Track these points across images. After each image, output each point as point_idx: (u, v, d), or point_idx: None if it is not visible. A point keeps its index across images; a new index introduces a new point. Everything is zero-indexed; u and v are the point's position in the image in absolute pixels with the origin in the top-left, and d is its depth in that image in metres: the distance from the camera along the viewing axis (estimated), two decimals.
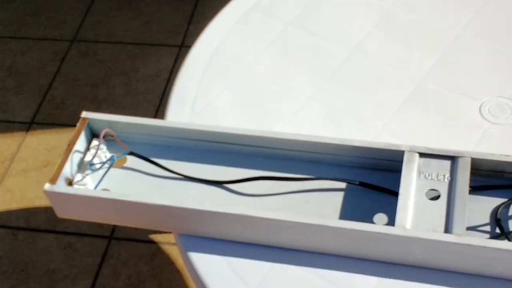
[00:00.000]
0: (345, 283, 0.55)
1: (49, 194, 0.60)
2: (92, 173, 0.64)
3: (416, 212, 0.55)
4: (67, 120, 1.56)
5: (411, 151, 0.58)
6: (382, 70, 0.72)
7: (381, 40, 0.74)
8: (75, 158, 0.64)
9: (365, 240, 0.55)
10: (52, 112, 1.58)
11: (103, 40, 1.75)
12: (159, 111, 1.55)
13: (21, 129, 1.55)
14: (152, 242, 1.29)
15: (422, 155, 0.58)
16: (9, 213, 1.38)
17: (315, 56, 0.74)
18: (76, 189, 0.60)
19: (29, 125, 1.56)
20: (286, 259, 0.57)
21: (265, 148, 0.64)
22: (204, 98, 0.71)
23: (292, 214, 0.55)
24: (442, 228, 0.54)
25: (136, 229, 1.31)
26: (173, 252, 1.27)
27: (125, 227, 1.31)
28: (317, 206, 0.60)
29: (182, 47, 1.69)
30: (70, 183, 0.63)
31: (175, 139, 0.66)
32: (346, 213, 0.59)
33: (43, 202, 1.39)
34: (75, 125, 1.54)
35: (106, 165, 0.64)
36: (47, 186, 0.60)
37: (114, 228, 1.32)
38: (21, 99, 1.63)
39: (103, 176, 0.63)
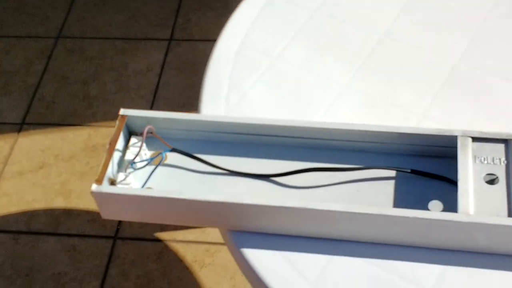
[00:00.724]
0: (407, 273, 0.55)
1: (97, 195, 0.58)
2: (134, 171, 0.62)
3: (476, 198, 0.55)
4: (59, 120, 1.52)
5: (464, 135, 0.58)
6: (414, 55, 0.71)
7: (410, 24, 0.74)
8: (115, 157, 0.62)
9: (426, 229, 0.54)
10: (43, 111, 1.55)
11: (89, 36, 1.71)
12: (153, 106, 1.52)
13: (12, 131, 1.52)
14: (158, 240, 1.27)
15: (475, 139, 0.58)
16: (8, 217, 1.35)
17: (344, 43, 0.73)
18: (126, 189, 0.58)
19: (20, 126, 1.52)
20: (344, 251, 0.57)
21: (309, 139, 0.63)
22: (237, 91, 0.70)
23: (353, 205, 0.55)
24: (505, 212, 0.53)
25: (140, 227, 1.29)
26: (180, 249, 1.25)
27: (129, 227, 1.29)
28: (369, 195, 0.59)
29: (172, 41, 1.67)
30: (112, 183, 0.61)
31: (215, 133, 0.64)
32: (399, 202, 0.58)
33: (42, 204, 1.36)
34: (68, 124, 1.52)
35: (150, 163, 0.62)
36: (94, 187, 0.58)
37: (118, 228, 1.30)
38: (9, 99, 1.58)
39: (151, 174, 0.61)
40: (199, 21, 1.71)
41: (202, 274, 1.22)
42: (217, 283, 1.20)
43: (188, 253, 1.25)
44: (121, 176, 0.61)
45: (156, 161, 0.62)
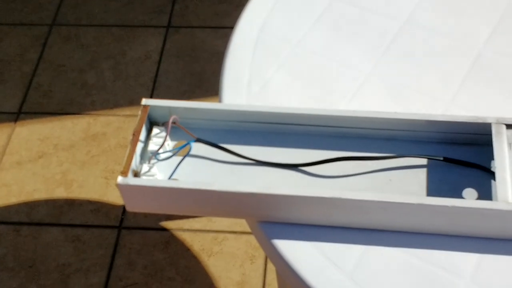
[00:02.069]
0: (444, 262, 0.54)
1: (122, 188, 0.57)
2: (157, 162, 0.61)
3: None
4: (56, 108, 1.50)
5: (498, 123, 0.57)
6: (437, 41, 0.70)
7: (431, 10, 0.73)
8: (137, 148, 0.60)
9: (462, 217, 0.53)
10: (39, 100, 1.52)
11: (84, 23, 1.69)
12: (153, 94, 1.50)
13: (8, 120, 1.49)
14: (164, 229, 1.26)
15: (509, 126, 0.57)
16: (8, 208, 1.32)
17: (366, 30, 0.72)
18: (153, 181, 0.56)
19: (17, 115, 1.50)
20: (378, 240, 0.56)
21: (336, 128, 0.61)
22: (259, 79, 0.68)
23: (387, 194, 0.53)
24: None
25: (145, 217, 1.28)
26: (187, 238, 1.24)
27: (133, 216, 1.28)
28: (401, 184, 0.58)
29: (170, 28, 1.65)
30: (135, 174, 0.59)
31: (238, 122, 0.63)
32: (433, 190, 0.57)
33: (43, 194, 1.34)
34: (66, 113, 1.49)
35: (177, 154, 0.61)
36: (120, 179, 0.56)
37: (122, 217, 1.28)
38: (4, 88, 1.56)
39: (178, 165, 0.60)
40: (197, 8, 1.69)
41: (210, 262, 1.21)
42: (226, 271, 1.19)
43: (196, 242, 1.24)
44: (145, 167, 0.59)
45: (182, 152, 0.61)
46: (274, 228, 0.58)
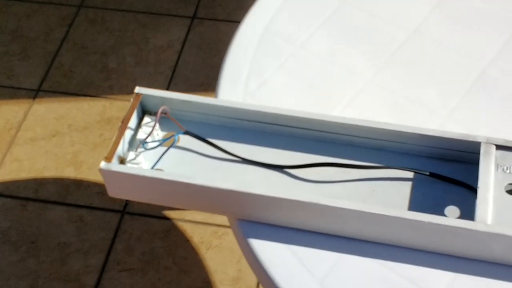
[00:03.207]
0: (417, 277, 0.53)
1: (105, 173, 0.57)
2: (144, 151, 0.61)
3: (496, 207, 0.53)
4: (75, 89, 1.52)
5: (488, 142, 0.56)
6: (443, 54, 0.69)
7: (441, 23, 0.72)
8: (126, 135, 0.60)
9: (440, 234, 0.53)
10: (60, 80, 1.54)
11: (111, 8, 1.70)
12: (171, 83, 1.51)
13: (27, 96, 1.51)
14: (166, 218, 1.27)
15: (499, 147, 0.56)
16: (17, 183, 1.34)
17: (372, 37, 0.71)
18: (135, 169, 0.57)
19: (36, 93, 1.52)
20: (354, 250, 0.55)
21: (327, 133, 0.61)
22: (257, 77, 0.68)
23: (367, 205, 0.53)
24: None
25: (148, 204, 1.28)
26: (188, 229, 1.25)
27: (137, 203, 1.29)
28: (384, 195, 0.58)
29: (195, 19, 1.65)
30: (122, 161, 0.60)
31: (230, 119, 0.63)
32: (415, 204, 0.57)
33: (52, 173, 1.35)
34: (84, 95, 1.51)
35: (162, 145, 0.61)
36: (103, 164, 0.57)
37: (126, 202, 1.29)
38: (26, 65, 1.58)
39: (161, 156, 0.60)
40: (224, 1, 1.69)
41: (208, 256, 1.21)
42: (223, 265, 1.19)
43: (196, 234, 1.24)
44: (131, 155, 0.60)
45: (168, 143, 0.61)
46: (251, 227, 0.57)
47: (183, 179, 0.55)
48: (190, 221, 1.25)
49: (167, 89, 1.49)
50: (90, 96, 1.50)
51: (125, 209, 1.28)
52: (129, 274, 1.19)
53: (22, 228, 1.27)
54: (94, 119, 1.44)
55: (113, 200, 1.29)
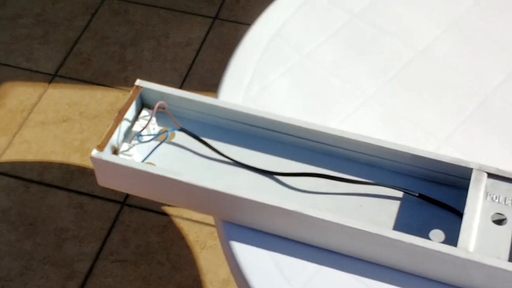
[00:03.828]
0: None
1: (96, 161, 0.57)
2: (139, 144, 0.61)
3: (480, 235, 0.52)
4: (91, 78, 1.53)
5: (480, 170, 0.55)
6: (448, 77, 0.68)
7: (450, 47, 0.71)
8: (122, 126, 0.61)
9: (421, 256, 0.52)
10: (76, 67, 1.55)
11: (136, 1, 1.71)
12: (185, 81, 1.51)
13: (43, 80, 1.52)
14: (164, 214, 1.27)
15: (490, 175, 0.55)
16: (23, 164, 1.35)
17: (379, 53, 0.71)
18: (125, 160, 0.57)
19: (52, 77, 1.53)
20: (334, 263, 0.55)
21: (321, 144, 0.61)
22: (260, 82, 0.68)
23: (351, 219, 0.53)
24: (507, 255, 0.51)
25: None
26: (185, 227, 1.25)
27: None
28: (371, 212, 0.57)
29: (216, 19, 1.66)
30: (115, 151, 0.60)
31: (227, 120, 0.63)
32: (401, 224, 0.56)
33: (59, 157, 1.36)
34: (99, 84, 1.52)
35: (156, 139, 0.61)
36: (94, 152, 0.57)
37: (127, 194, 1.30)
38: (46, 49, 1.59)
39: (153, 150, 0.60)
40: (247, 4, 1.70)
41: (202, 255, 1.21)
42: (215, 266, 1.19)
43: (192, 232, 1.24)
44: (124, 146, 0.60)
45: (161, 138, 0.61)
46: (235, 229, 0.57)
47: (171, 175, 0.56)
48: (187, 219, 1.26)
49: (181, 86, 1.50)
50: (105, 85, 1.51)
51: (126, 201, 1.29)
52: (122, 266, 1.19)
53: (23, 209, 1.28)
54: (105, 109, 1.45)
55: (115, 191, 1.30)
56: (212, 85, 1.50)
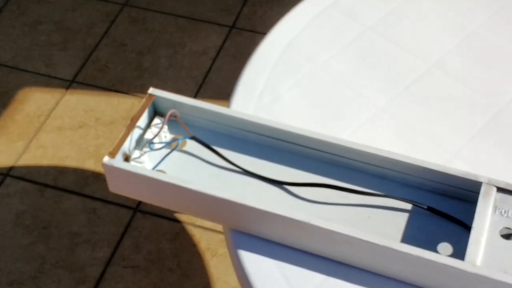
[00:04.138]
0: None
1: (107, 168, 0.58)
2: (150, 151, 0.62)
3: (487, 249, 0.52)
4: (108, 84, 1.54)
5: (489, 183, 0.55)
6: (460, 91, 0.69)
7: (463, 61, 0.71)
8: (134, 134, 0.61)
9: (428, 269, 0.52)
10: (94, 73, 1.57)
11: (154, 9, 1.73)
12: (201, 89, 1.52)
13: (61, 86, 1.54)
14: (177, 220, 1.28)
15: (500, 189, 0.55)
16: (39, 169, 1.37)
17: (392, 66, 0.71)
18: (136, 167, 0.57)
19: (70, 83, 1.55)
20: (341, 274, 0.55)
21: (331, 155, 0.61)
22: (272, 91, 0.69)
23: (359, 231, 0.53)
24: None
25: None
26: (196, 234, 1.25)
27: None
28: (379, 224, 0.57)
29: (233, 28, 1.67)
30: (126, 158, 0.61)
31: (238, 130, 0.63)
32: (409, 237, 0.56)
33: (74, 163, 1.38)
34: (115, 90, 1.53)
35: (167, 147, 0.62)
36: (106, 159, 0.58)
37: (140, 200, 1.31)
38: (65, 55, 1.61)
39: (163, 158, 0.61)
40: (265, 14, 1.70)
41: (212, 263, 1.21)
42: (225, 275, 1.20)
43: (203, 240, 1.25)
44: (136, 153, 0.61)
45: (173, 146, 0.62)
46: (243, 238, 0.58)
47: (181, 183, 0.56)
48: (199, 227, 1.26)
49: (196, 94, 1.51)
50: (121, 92, 1.52)
51: (138, 207, 1.30)
52: (133, 271, 1.20)
53: (37, 213, 1.29)
54: (121, 115, 1.47)
55: (128, 197, 1.31)
56: (227, 94, 1.51)
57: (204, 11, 1.71)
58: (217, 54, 1.60)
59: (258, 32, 1.66)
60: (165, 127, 0.63)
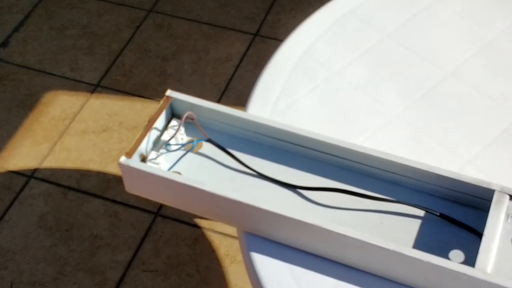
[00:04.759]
0: None
1: (124, 168, 0.59)
2: (166, 153, 0.63)
3: (498, 257, 0.52)
4: (132, 89, 1.56)
5: (502, 191, 0.55)
6: (476, 100, 0.68)
7: (480, 69, 0.71)
8: (152, 135, 0.63)
9: (440, 276, 0.52)
10: (119, 78, 1.59)
11: (179, 16, 1.74)
12: (223, 95, 1.54)
13: (86, 90, 1.56)
14: (197, 226, 1.28)
15: None
16: (62, 172, 1.39)
17: (409, 73, 0.71)
18: (152, 168, 0.58)
19: (95, 87, 1.57)
20: (352, 279, 0.55)
21: (344, 160, 0.61)
22: (288, 97, 0.69)
23: (371, 236, 0.53)
24: None
25: (182, 210, 1.31)
26: (216, 240, 1.26)
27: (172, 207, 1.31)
28: (392, 230, 0.58)
29: (257, 36, 1.68)
30: (143, 159, 0.62)
31: (254, 133, 0.64)
32: (421, 243, 0.56)
33: (96, 166, 1.40)
34: (139, 95, 1.55)
35: (183, 148, 0.63)
36: (123, 159, 0.59)
37: (161, 205, 1.32)
38: (91, 60, 1.63)
39: (179, 159, 0.62)
40: (288, 23, 1.71)
41: (231, 269, 1.22)
42: (244, 281, 1.20)
43: (223, 246, 1.25)
44: (152, 154, 0.62)
45: (189, 147, 0.63)
46: (256, 241, 0.58)
47: (196, 185, 0.57)
48: (219, 233, 1.27)
49: (219, 100, 1.52)
50: (145, 97, 1.54)
51: (159, 211, 1.31)
52: (152, 276, 1.21)
53: (59, 216, 1.31)
54: (144, 120, 1.48)
55: (149, 201, 1.32)
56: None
57: (228, 19, 1.73)
58: (240, 61, 1.62)
59: (281, 40, 1.66)
60: (182, 129, 0.64)
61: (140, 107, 1.52)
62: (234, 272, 1.21)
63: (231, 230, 1.27)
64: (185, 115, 0.62)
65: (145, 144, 0.62)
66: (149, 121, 0.62)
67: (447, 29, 0.75)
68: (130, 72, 1.60)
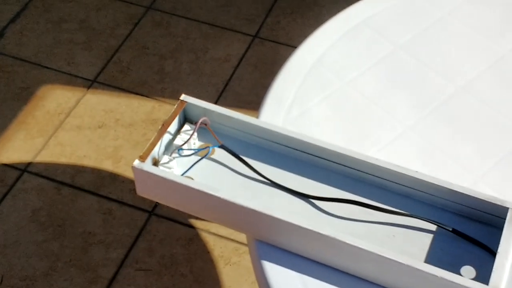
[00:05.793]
0: None
1: (137, 171, 0.59)
2: (179, 157, 0.62)
3: None
4: (129, 86, 1.55)
5: None
6: (488, 115, 0.69)
7: (492, 84, 0.71)
8: (164, 139, 0.62)
9: None
10: (115, 74, 1.58)
11: (178, 14, 1.74)
12: (221, 96, 1.53)
13: (83, 85, 1.55)
14: (192, 226, 1.28)
15: None
16: (56, 167, 1.38)
17: (421, 86, 0.71)
18: (166, 173, 0.58)
19: (91, 83, 1.56)
20: None
21: (357, 171, 0.61)
22: (300, 105, 0.69)
23: (383, 249, 0.53)
24: None
25: (176, 210, 1.30)
26: (211, 241, 1.26)
27: (167, 206, 1.30)
28: (403, 243, 0.58)
29: (256, 38, 1.68)
30: (155, 163, 0.61)
31: (267, 141, 0.64)
32: (433, 258, 0.57)
33: (91, 162, 1.39)
34: (136, 93, 1.54)
35: (195, 154, 0.62)
36: (136, 162, 0.59)
37: (156, 204, 1.31)
38: (88, 55, 1.62)
39: (192, 165, 0.61)
40: (288, 26, 1.71)
41: (225, 271, 1.22)
42: (237, 283, 1.20)
43: (217, 247, 1.25)
44: (165, 158, 0.61)
45: (202, 153, 0.62)
46: (267, 249, 0.58)
47: (208, 191, 0.57)
48: (214, 234, 1.26)
49: (216, 101, 1.51)
50: (142, 95, 1.53)
51: (154, 210, 1.31)
52: (145, 275, 1.21)
53: (52, 211, 1.30)
54: (141, 118, 1.47)
55: (144, 199, 1.31)
56: (247, 102, 1.51)
57: (227, 19, 1.72)
58: (239, 62, 1.61)
59: (281, 43, 1.66)
60: (195, 134, 0.63)
61: (137, 105, 1.51)
62: (228, 274, 1.21)
63: (226, 231, 1.27)
64: (200, 121, 0.62)
65: (158, 148, 0.61)
66: (163, 125, 0.62)
67: (460, 42, 0.75)
68: (127, 69, 1.59)
